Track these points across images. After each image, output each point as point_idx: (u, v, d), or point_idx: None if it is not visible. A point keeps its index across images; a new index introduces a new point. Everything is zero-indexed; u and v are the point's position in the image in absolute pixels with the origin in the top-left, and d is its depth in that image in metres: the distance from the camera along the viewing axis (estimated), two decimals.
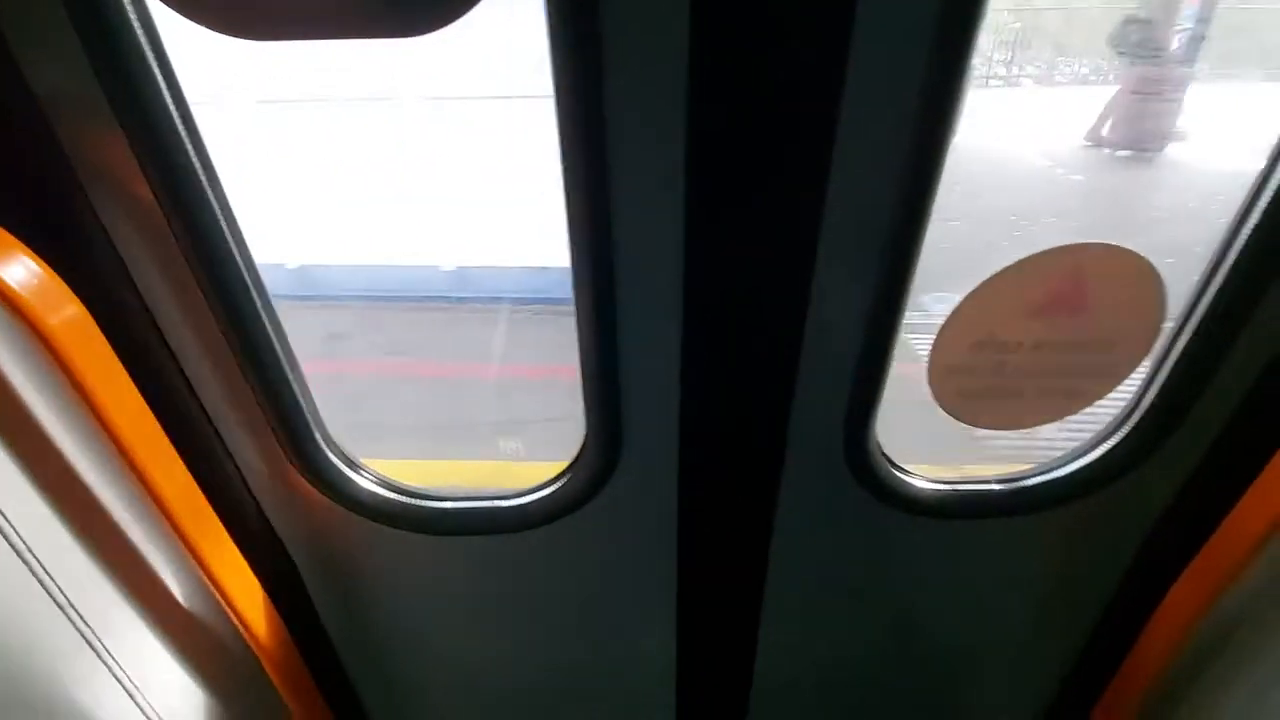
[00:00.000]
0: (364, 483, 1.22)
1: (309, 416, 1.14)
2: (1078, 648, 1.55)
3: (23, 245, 0.80)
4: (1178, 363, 1.11)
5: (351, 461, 1.21)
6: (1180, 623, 1.27)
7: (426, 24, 0.80)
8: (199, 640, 1.18)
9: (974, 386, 1.13)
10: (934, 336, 1.08)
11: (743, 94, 0.85)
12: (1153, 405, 1.16)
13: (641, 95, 0.85)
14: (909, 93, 0.84)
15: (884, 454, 1.24)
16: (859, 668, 1.63)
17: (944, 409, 1.16)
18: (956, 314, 1.05)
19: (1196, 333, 1.07)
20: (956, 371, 1.11)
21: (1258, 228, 0.96)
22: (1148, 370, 1.17)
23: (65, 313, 0.82)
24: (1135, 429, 1.19)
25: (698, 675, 1.57)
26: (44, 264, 0.81)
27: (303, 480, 1.19)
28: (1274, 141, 0.93)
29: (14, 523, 0.85)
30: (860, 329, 1.05)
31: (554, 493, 1.23)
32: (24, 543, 0.86)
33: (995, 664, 1.63)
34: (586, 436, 1.18)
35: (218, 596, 1.14)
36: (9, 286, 0.77)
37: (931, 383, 1.13)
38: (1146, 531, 1.35)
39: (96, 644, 0.98)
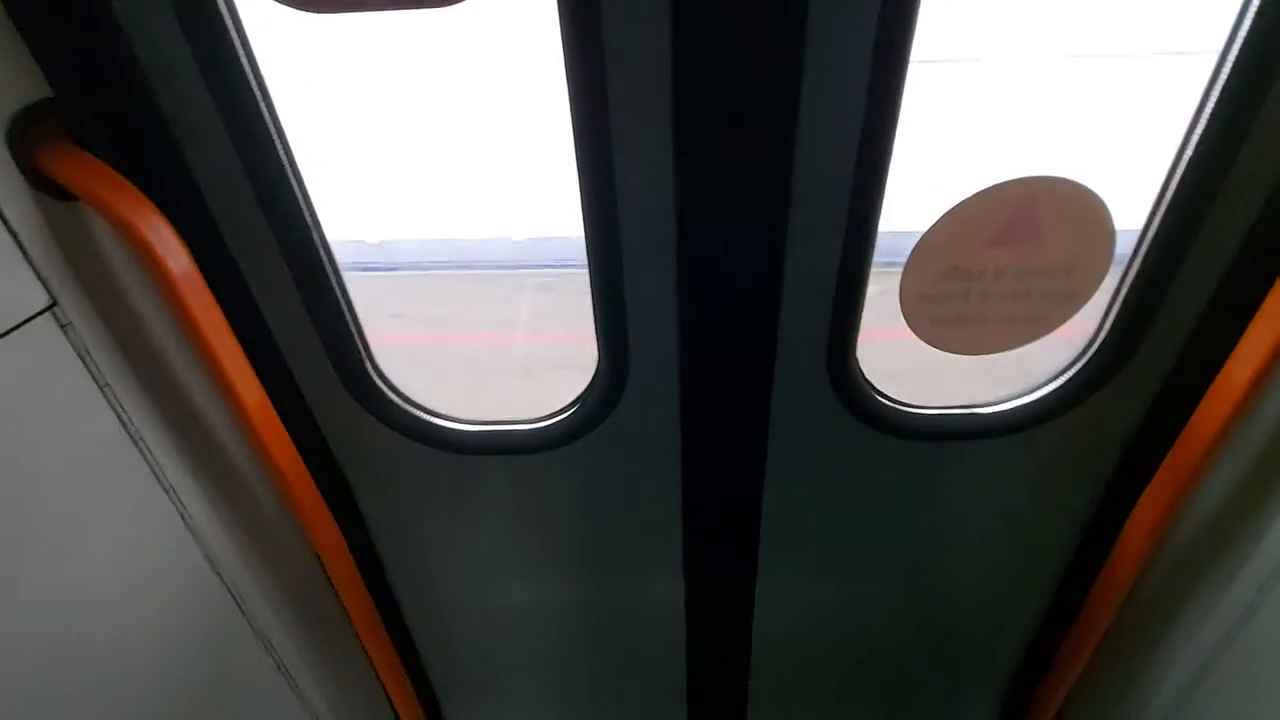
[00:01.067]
0: (404, 405, 1.40)
1: (360, 348, 1.33)
2: (1059, 570, 1.67)
3: (152, 205, 0.99)
4: (1134, 283, 1.22)
5: (394, 388, 1.40)
6: (1144, 537, 1.38)
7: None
8: (266, 533, 1.40)
9: (944, 314, 1.26)
10: (903, 266, 1.21)
11: (716, 55, 0.99)
12: (1115, 325, 1.27)
13: (636, 72, 1.01)
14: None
15: (866, 379, 1.37)
16: (855, 601, 1.78)
17: (918, 335, 1.29)
18: (922, 245, 1.18)
19: (1147, 254, 1.17)
20: (927, 300, 1.24)
21: (1199, 151, 1.06)
22: (1110, 293, 1.28)
23: (181, 262, 1.02)
24: (1101, 347, 1.31)
25: (704, 620, 1.73)
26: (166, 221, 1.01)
27: (353, 402, 1.38)
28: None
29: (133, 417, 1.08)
30: (836, 260, 1.19)
31: (569, 416, 1.40)
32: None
33: (983, 589, 1.75)
34: (599, 362, 1.35)
35: (285, 497, 1.34)
36: (148, 239, 0.98)
37: (904, 311, 1.26)
38: (1122, 449, 1.46)
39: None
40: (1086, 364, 1.33)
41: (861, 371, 1.37)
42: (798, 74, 1.00)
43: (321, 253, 1.21)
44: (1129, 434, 1.42)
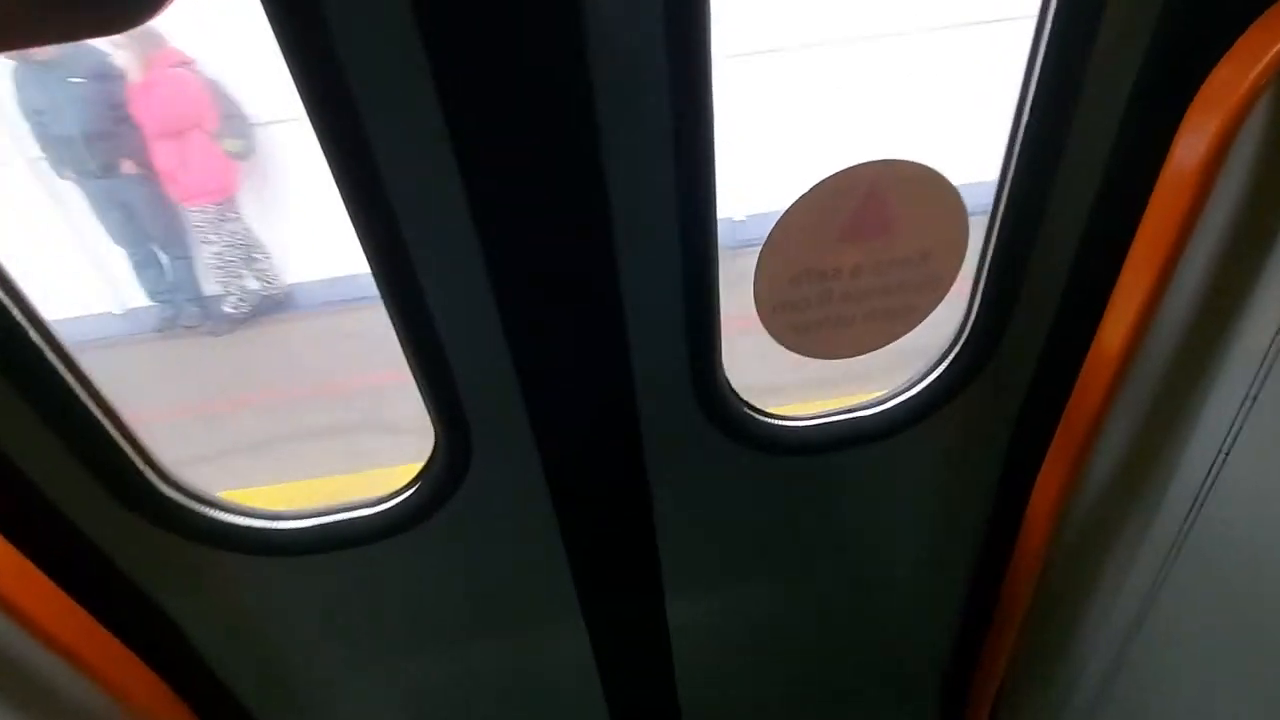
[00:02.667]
0: (200, 508, 1.17)
1: (130, 449, 1.09)
2: (970, 560, 1.61)
3: None
4: (992, 263, 1.13)
5: (188, 491, 1.17)
6: (1046, 515, 1.32)
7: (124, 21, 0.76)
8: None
9: (806, 320, 1.14)
10: (753, 276, 1.08)
11: (486, 71, 0.82)
12: (980, 309, 1.19)
13: (391, 98, 0.83)
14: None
15: (738, 396, 1.24)
16: (773, 615, 1.67)
17: (784, 346, 1.17)
18: (767, 251, 1.05)
19: (1000, 231, 1.09)
20: (784, 308, 1.12)
21: (1034, 118, 0.98)
22: (974, 274, 1.20)
23: None
24: (971, 334, 1.23)
25: (618, 663, 1.58)
26: None
27: (144, 521, 1.14)
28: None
29: None
30: (677, 268, 1.05)
31: (411, 496, 1.21)
32: None
33: (899, 588, 1.68)
34: (436, 435, 1.16)
35: (81, 669, 1.09)
36: None
37: (763, 323, 1.13)
38: (1010, 431, 1.40)
39: None
40: (960, 352, 1.24)
41: (733, 391, 1.24)
42: (586, 78, 0.85)
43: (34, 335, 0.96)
44: (1015, 414, 1.36)
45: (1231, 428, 1.06)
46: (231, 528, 1.20)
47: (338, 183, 0.89)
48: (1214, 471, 1.11)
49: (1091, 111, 0.98)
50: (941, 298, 1.17)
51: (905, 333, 1.20)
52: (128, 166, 5.04)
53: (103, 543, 1.17)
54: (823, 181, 1.00)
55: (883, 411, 1.31)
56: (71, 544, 1.14)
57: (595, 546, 1.39)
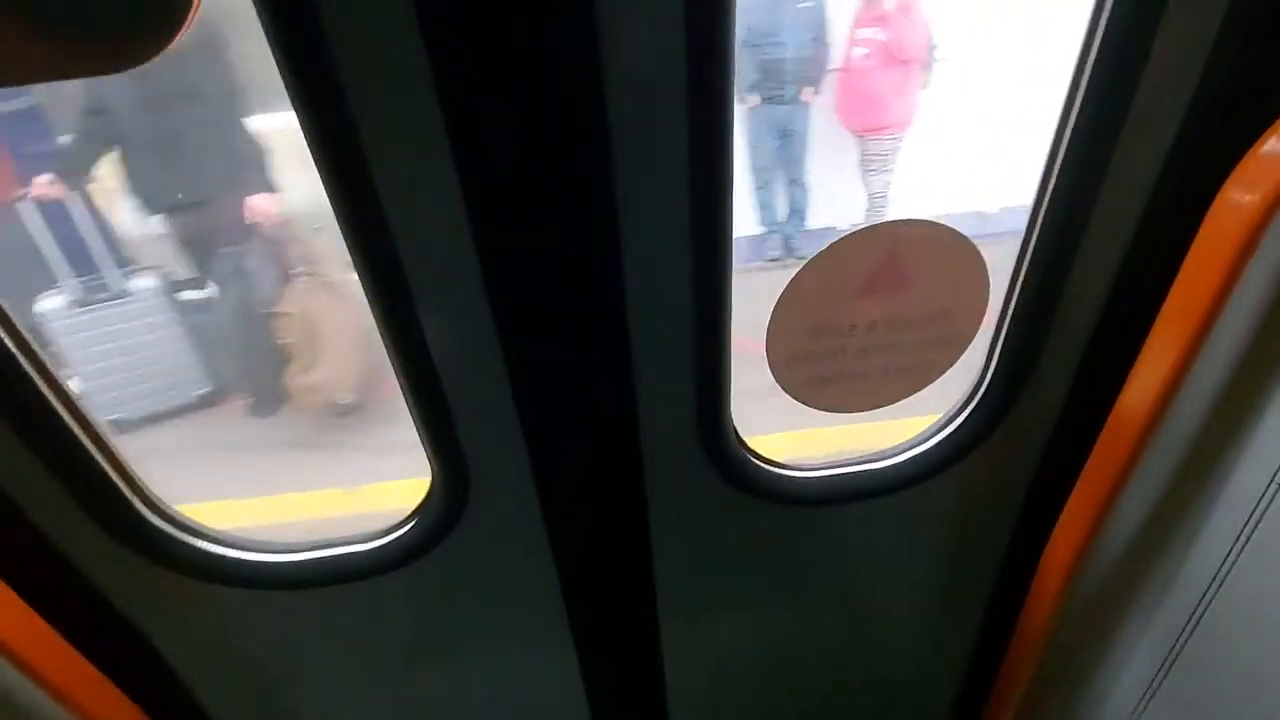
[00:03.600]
0: (193, 540, 1.14)
1: (120, 481, 1.06)
2: (980, 612, 1.56)
3: None
4: (1013, 321, 1.10)
5: (180, 523, 1.14)
6: (1061, 572, 1.28)
7: (130, 59, 0.73)
8: None
9: (819, 373, 1.11)
10: (766, 332, 1.05)
11: (494, 83, 0.80)
12: (1000, 364, 1.16)
13: (392, 113, 0.80)
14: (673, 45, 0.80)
15: (744, 444, 1.21)
16: (774, 661, 1.63)
17: (796, 399, 1.14)
18: (782, 304, 1.03)
19: (1024, 289, 1.06)
20: (798, 360, 1.09)
21: (1061, 181, 0.95)
22: (994, 329, 1.17)
23: None
24: (989, 390, 1.19)
25: (609, 698, 1.54)
26: None
27: (132, 553, 1.11)
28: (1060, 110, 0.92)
29: None
30: (689, 312, 1.02)
31: (408, 532, 1.18)
32: None
33: (906, 638, 1.64)
34: (433, 471, 1.13)
35: (65, 703, 1.06)
36: None
37: (775, 375, 1.10)
38: (1025, 489, 1.36)
39: None
40: (977, 407, 1.21)
41: (740, 439, 1.21)
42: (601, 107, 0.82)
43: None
44: (1030, 473, 1.32)
45: (1258, 504, 1.02)
46: (222, 561, 1.17)
47: (342, 229, 0.87)
48: (1237, 547, 1.08)
49: (1125, 169, 0.95)
50: (959, 356, 1.14)
51: (920, 389, 1.17)
52: (807, 93, 4.95)
53: (89, 573, 1.14)
54: (844, 237, 0.97)
55: (895, 465, 1.28)
56: (57, 575, 1.11)
57: (592, 587, 1.36)
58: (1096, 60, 0.86)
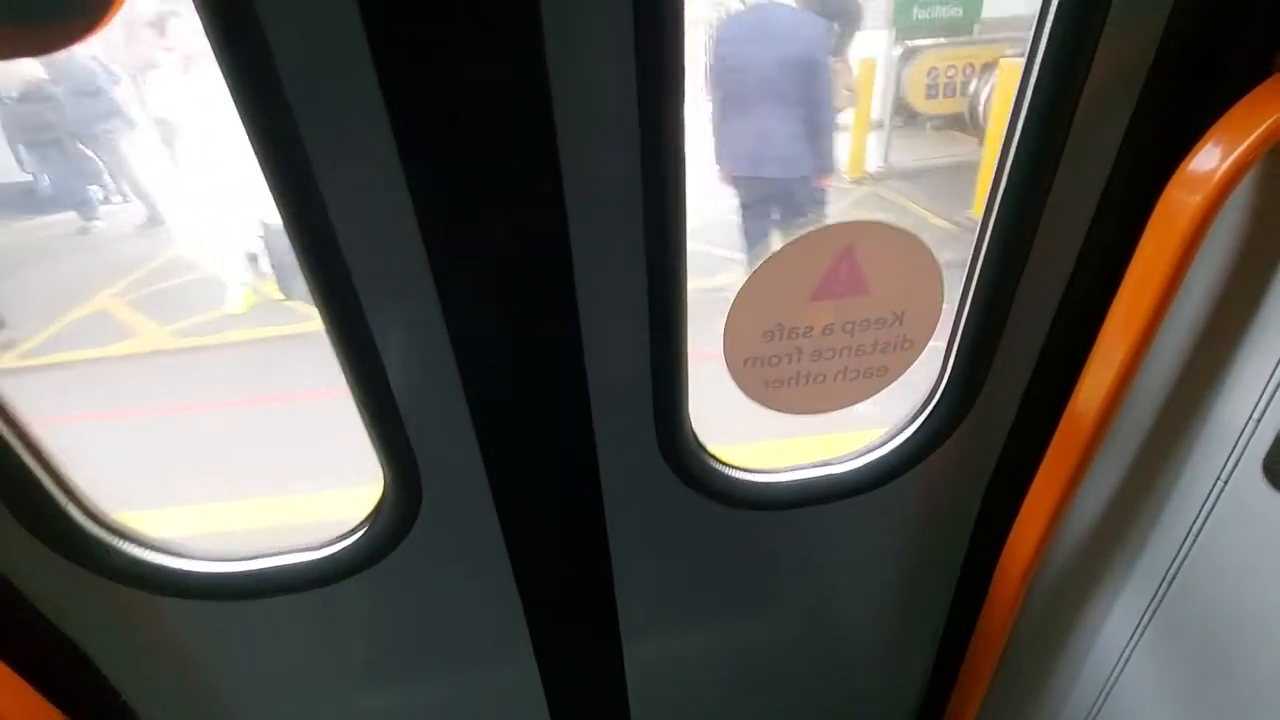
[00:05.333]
0: (135, 553, 1.10)
1: (53, 485, 1.02)
2: (944, 608, 1.57)
3: None
4: (968, 323, 1.11)
5: (118, 530, 1.10)
6: (1020, 568, 1.29)
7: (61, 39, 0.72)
8: None
9: (776, 375, 1.11)
10: (722, 330, 1.05)
11: (442, 99, 0.79)
12: (955, 367, 1.16)
13: (336, 112, 0.78)
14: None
15: (703, 448, 1.20)
16: (739, 662, 1.62)
17: (753, 400, 1.14)
18: (737, 306, 1.02)
19: (978, 290, 1.07)
20: (755, 363, 1.09)
21: (1011, 183, 0.96)
22: (949, 333, 1.17)
23: None
24: (946, 393, 1.20)
25: (571, 710, 1.52)
26: None
27: (69, 563, 1.07)
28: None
29: None
30: (642, 316, 1.01)
31: (360, 539, 1.15)
32: None
33: (870, 636, 1.64)
34: (385, 477, 1.11)
35: None
36: None
37: (733, 376, 1.10)
38: (983, 489, 1.37)
39: None
40: (935, 409, 1.22)
41: (699, 442, 1.20)
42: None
43: None
44: (989, 472, 1.33)
45: (1207, 499, 1.04)
46: (164, 570, 1.13)
47: (291, 238, 0.85)
48: (1189, 539, 1.09)
49: (1073, 174, 0.96)
50: (915, 359, 1.14)
51: (877, 392, 1.17)
52: None
53: (20, 583, 1.10)
54: (799, 238, 0.97)
55: (856, 469, 1.28)
56: None
57: (552, 596, 1.34)
58: (1042, 63, 0.87)
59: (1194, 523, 1.05)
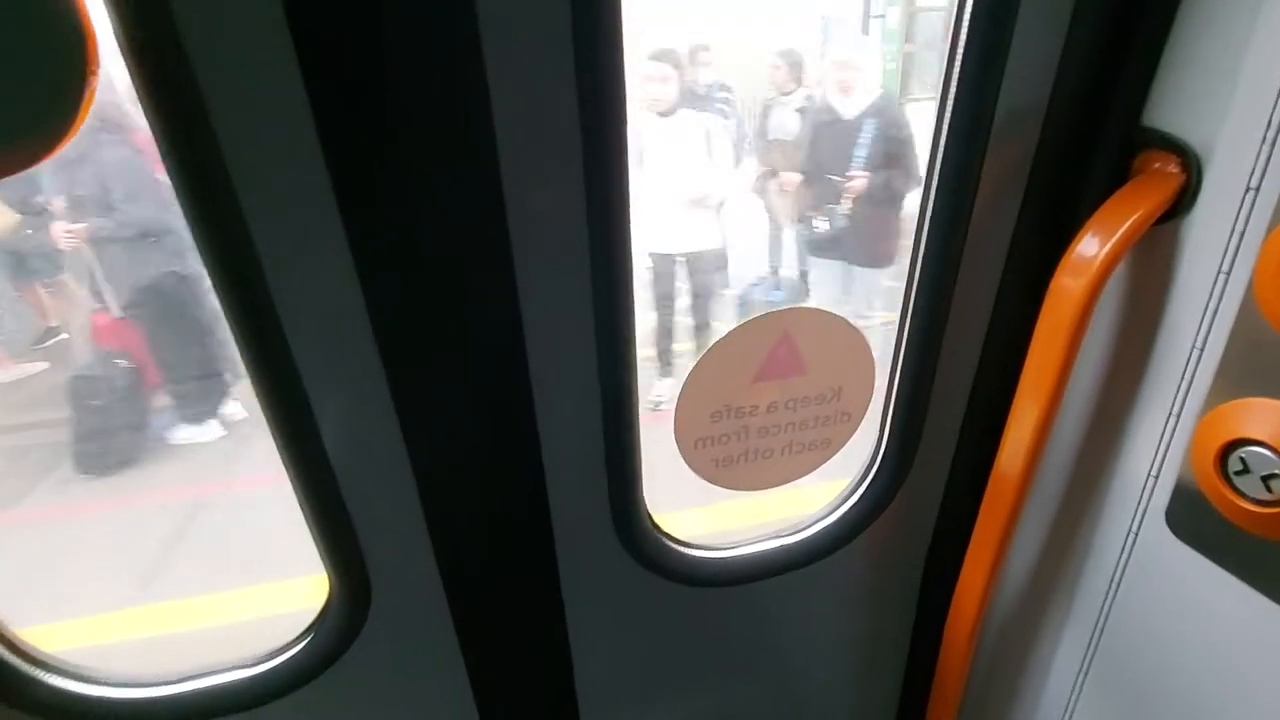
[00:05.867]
0: (41, 678, 1.00)
1: None
2: (896, 672, 1.60)
3: None
4: (898, 397, 1.19)
5: (30, 656, 1.01)
6: (964, 630, 1.34)
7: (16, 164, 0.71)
8: None
9: (726, 454, 1.15)
10: (674, 414, 1.09)
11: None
12: (890, 438, 1.24)
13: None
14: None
15: (659, 528, 1.22)
16: None
17: (705, 479, 1.18)
18: (685, 391, 1.07)
19: (903, 366, 1.16)
20: (705, 443, 1.13)
21: (924, 273, 1.07)
22: (882, 406, 1.26)
23: None
24: (884, 460, 1.27)
25: None
26: None
27: None
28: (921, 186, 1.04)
29: None
30: (595, 399, 1.04)
31: (301, 651, 1.10)
32: None
33: (830, 698, 1.64)
34: (330, 580, 1.07)
35: None
36: None
37: (685, 458, 1.14)
38: (926, 548, 1.43)
39: None
40: (875, 478, 1.28)
41: (655, 523, 1.22)
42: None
43: None
44: (930, 531, 1.40)
45: (1123, 550, 1.12)
46: (75, 699, 1.04)
47: (230, 325, 0.84)
48: (1113, 588, 1.17)
49: (973, 268, 1.08)
50: (854, 430, 1.22)
51: (822, 464, 1.23)
52: None
53: None
54: (740, 326, 1.04)
55: (803, 540, 1.32)
56: None
57: (509, 692, 1.30)
58: (940, 177, 0.99)
59: (1114, 571, 1.14)
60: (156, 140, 0.75)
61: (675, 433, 1.11)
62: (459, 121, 0.80)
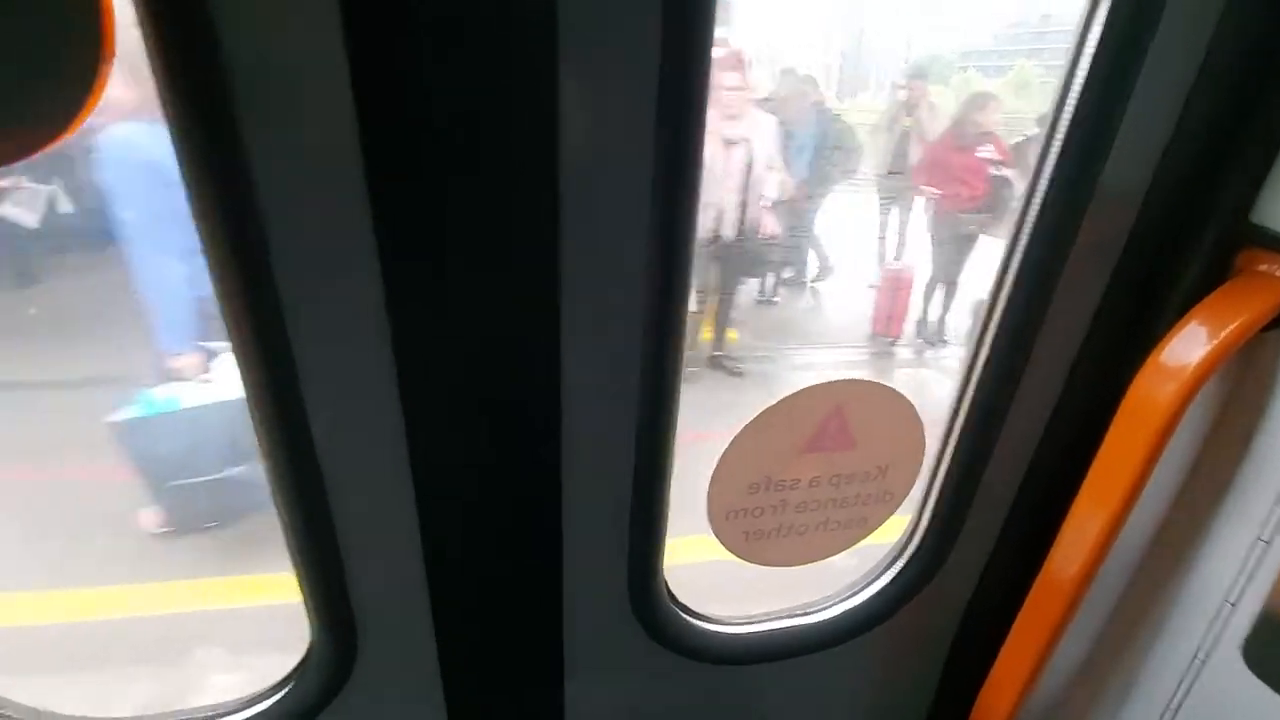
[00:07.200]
0: None
1: None
2: None
3: None
4: (944, 483, 1.11)
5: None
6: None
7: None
8: None
9: (758, 527, 1.06)
10: (708, 484, 1.00)
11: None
12: (929, 526, 1.15)
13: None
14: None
15: (677, 601, 1.12)
16: None
17: (733, 553, 1.08)
18: (725, 459, 0.98)
19: (955, 452, 1.07)
20: (738, 514, 1.04)
21: (995, 348, 0.98)
22: (924, 485, 1.17)
23: None
24: (919, 550, 1.18)
25: None
26: None
27: None
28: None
29: None
30: (628, 471, 0.95)
31: (277, 704, 0.98)
32: None
33: None
34: (313, 630, 0.97)
35: None
36: None
37: (714, 529, 1.04)
38: (949, 646, 1.33)
39: None
40: (907, 565, 1.19)
41: (674, 596, 1.12)
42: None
43: None
44: (954, 629, 1.30)
45: (1185, 677, 1.03)
46: None
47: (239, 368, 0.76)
48: (1169, 714, 1.08)
49: (1049, 348, 1.00)
50: (893, 510, 1.13)
51: (853, 544, 1.14)
52: None
53: None
54: (790, 396, 0.95)
55: (822, 621, 1.22)
56: None
57: None
58: (1029, 240, 0.91)
59: (1172, 698, 1.05)
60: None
61: (708, 502, 1.01)
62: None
